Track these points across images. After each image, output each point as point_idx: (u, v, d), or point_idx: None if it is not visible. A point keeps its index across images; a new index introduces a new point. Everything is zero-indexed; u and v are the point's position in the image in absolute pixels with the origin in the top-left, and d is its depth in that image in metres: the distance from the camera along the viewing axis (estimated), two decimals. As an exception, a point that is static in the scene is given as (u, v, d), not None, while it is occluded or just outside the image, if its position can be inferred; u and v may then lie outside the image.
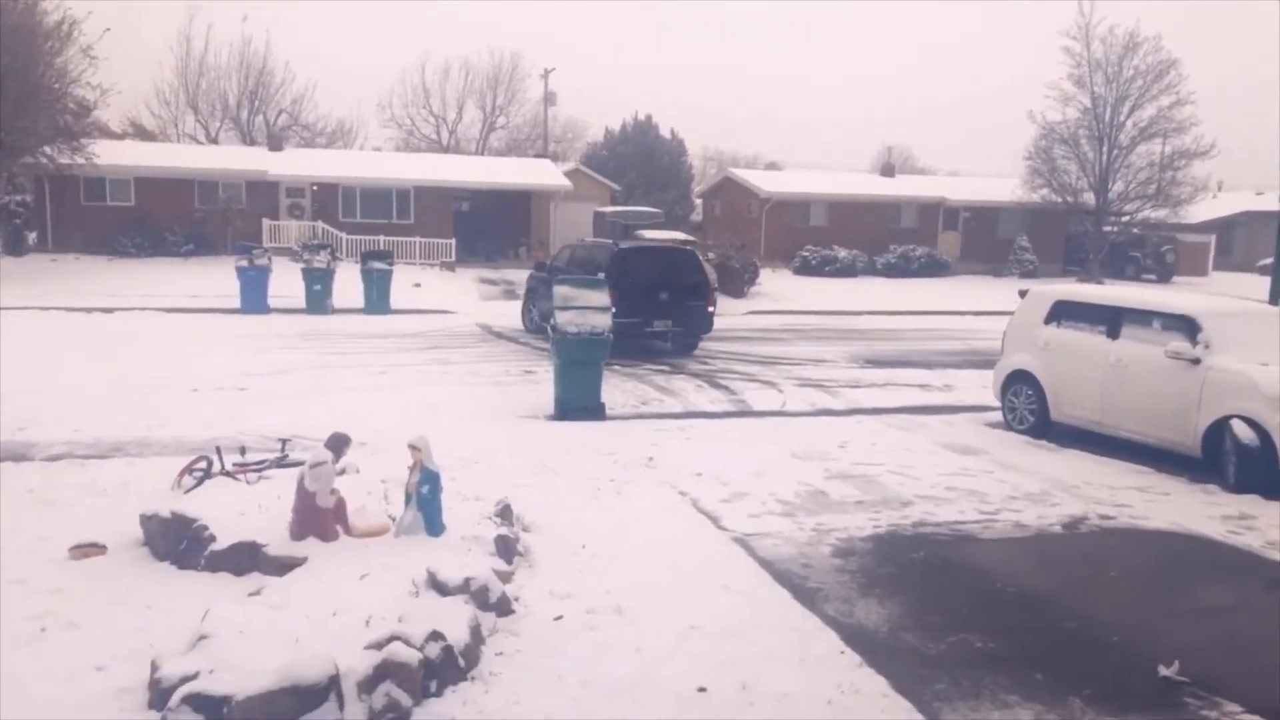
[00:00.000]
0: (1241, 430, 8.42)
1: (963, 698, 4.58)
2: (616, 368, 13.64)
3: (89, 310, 19.27)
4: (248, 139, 45.70)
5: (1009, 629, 5.42)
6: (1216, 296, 12.15)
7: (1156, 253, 36.38)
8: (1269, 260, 19.77)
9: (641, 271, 15.09)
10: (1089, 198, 34.19)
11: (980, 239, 37.00)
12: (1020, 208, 35.36)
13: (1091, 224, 34.62)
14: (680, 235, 27.73)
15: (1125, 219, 34.92)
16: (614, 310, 12.19)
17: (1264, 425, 8.28)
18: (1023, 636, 5.32)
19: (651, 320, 14.85)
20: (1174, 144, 33.44)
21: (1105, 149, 33.72)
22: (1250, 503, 8.08)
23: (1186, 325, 9.16)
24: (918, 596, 5.86)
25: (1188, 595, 6.25)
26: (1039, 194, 34.46)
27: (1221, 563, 6.80)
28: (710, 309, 15.60)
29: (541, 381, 12.68)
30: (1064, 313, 10.52)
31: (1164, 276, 35.76)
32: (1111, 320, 9.91)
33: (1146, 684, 4.77)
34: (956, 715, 4.41)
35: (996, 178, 38.00)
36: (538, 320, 16.87)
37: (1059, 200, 34.39)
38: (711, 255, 27.34)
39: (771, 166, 51.64)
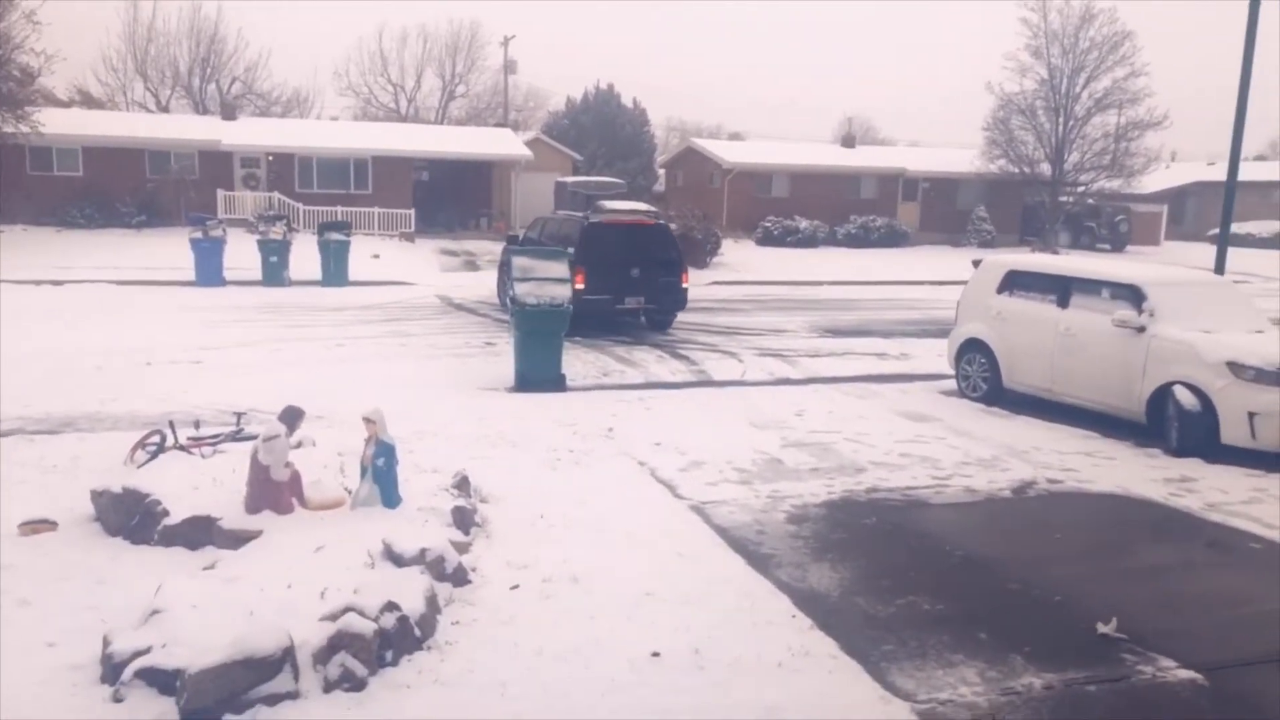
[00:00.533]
0: (1184, 396, 8.65)
1: (909, 658, 4.71)
2: (579, 340, 13.65)
3: (38, 283, 18.84)
4: (200, 108, 44.64)
5: (956, 591, 5.56)
6: (1163, 266, 12.42)
7: (1111, 223, 36.95)
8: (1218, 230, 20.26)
9: (611, 246, 14.33)
10: (1045, 168, 34.64)
11: (939, 209, 37.33)
12: (978, 178, 35.73)
13: (1048, 194, 35.08)
14: (642, 206, 27.53)
15: (1080, 189, 35.46)
16: (584, 287, 12.42)
17: (1205, 391, 8.51)
18: (968, 598, 5.47)
19: (623, 297, 14.29)
20: (1128, 115, 34.06)
21: (1061, 120, 34.14)
22: (1191, 466, 8.34)
23: (1132, 294, 9.36)
24: (869, 561, 5.99)
25: (1129, 556, 6.45)
26: (997, 165, 34.84)
27: (1162, 524, 7.02)
28: (684, 285, 14.97)
29: (502, 354, 12.67)
30: (1016, 282, 10.70)
31: (1118, 246, 36.37)
32: (1061, 290, 10.10)
33: (1085, 641, 4.94)
34: (903, 674, 4.54)
35: (956, 148, 38.30)
36: (511, 296, 16.42)
37: (1016, 171, 34.80)
38: (674, 226, 27.35)
39: (734, 137, 51.54)
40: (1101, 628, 5.02)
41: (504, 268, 16.40)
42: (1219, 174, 17.14)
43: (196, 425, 7.41)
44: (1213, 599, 5.67)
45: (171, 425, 7.06)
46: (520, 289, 10.57)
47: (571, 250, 12.92)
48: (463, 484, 6.46)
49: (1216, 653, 4.88)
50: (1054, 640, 4.94)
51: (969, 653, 4.77)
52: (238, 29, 46.45)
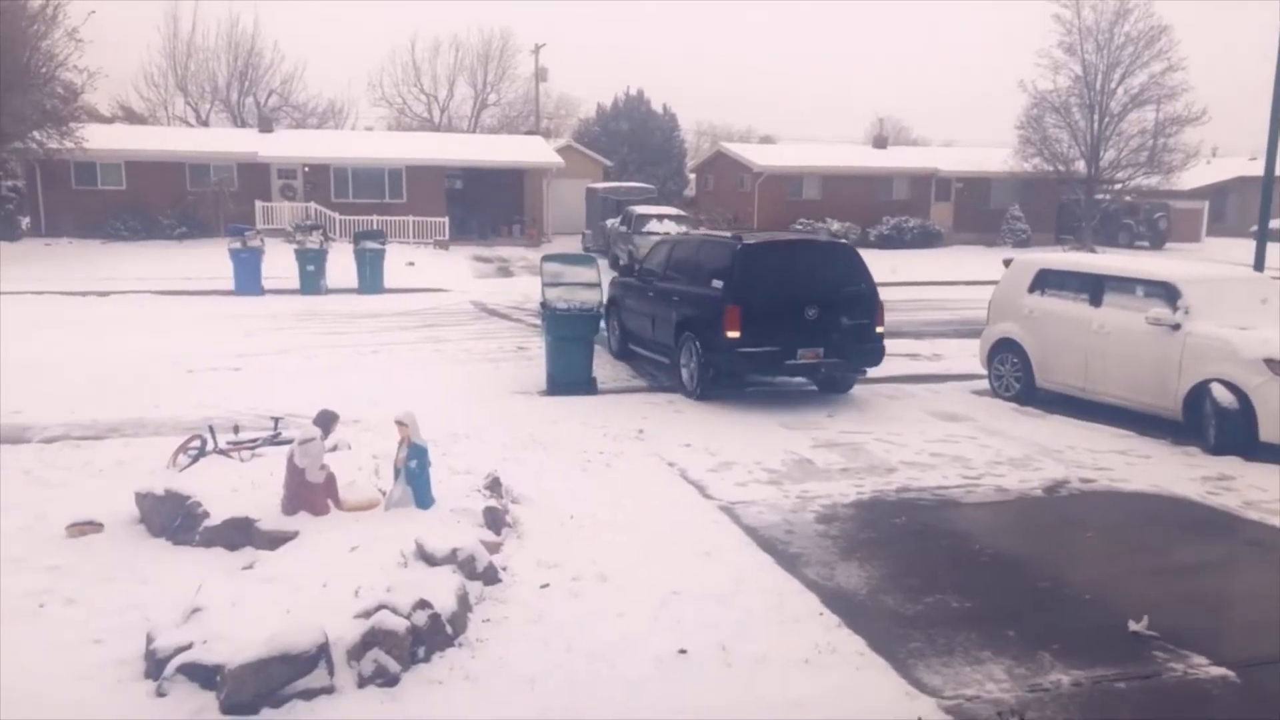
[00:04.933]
0: (1221, 394, 8.54)
1: (937, 654, 4.72)
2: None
3: (84, 294, 19.31)
4: (238, 120, 45.51)
5: (985, 589, 5.55)
6: (1199, 263, 12.26)
7: (1149, 220, 36.40)
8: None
9: (777, 277, 10.18)
10: (1081, 166, 34.17)
11: (973, 209, 36.99)
12: (1012, 177, 35.33)
13: (1084, 192, 34.61)
14: (672, 210, 27.76)
15: (1118, 187, 34.95)
16: (739, 336, 9.59)
17: (1242, 388, 8.40)
18: (998, 596, 5.46)
19: (795, 349, 9.92)
20: (1166, 110, 33.48)
21: (1097, 117, 33.67)
22: (1229, 464, 8.22)
23: (1166, 292, 9.25)
24: (898, 560, 6.00)
25: (1162, 554, 6.39)
26: (1031, 163, 34.43)
27: (1198, 523, 6.93)
28: (879, 329, 10.44)
29: (534, 358, 12.78)
30: (1047, 281, 10.61)
31: (1157, 243, 35.82)
32: (1094, 288, 10.00)
33: (1116, 639, 4.91)
34: (930, 671, 4.55)
35: (990, 147, 37.94)
36: (621, 339, 12.87)
37: (1051, 169, 34.37)
38: (703, 230, 27.42)
39: (765, 140, 51.48)
40: (1133, 625, 4.99)
41: (613, 305, 12.96)
42: (1260, 169, 16.85)
43: (236, 430, 7.58)
44: (1248, 597, 5.61)
45: (211, 430, 7.24)
46: (551, 294, 10.67)
47: (719, 284, 10.12)
48: (494, 485, 6.56)
49: (1250, 650, 4.84)
50: (1084, 638, 4.92)
51: (997, 650, 4.77)
52: (274, 42, 47.70)
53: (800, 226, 33.17)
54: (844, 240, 11.94)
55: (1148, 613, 5.06)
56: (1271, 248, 16.68)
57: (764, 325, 9.85)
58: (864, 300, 10.35)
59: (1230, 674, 4.54)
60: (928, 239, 34.43)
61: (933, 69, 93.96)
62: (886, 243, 33.86)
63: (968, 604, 5.33)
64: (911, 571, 5.80)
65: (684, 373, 10.74)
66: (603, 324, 12.17)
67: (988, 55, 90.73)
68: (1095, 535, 6.60)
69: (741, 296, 9.89)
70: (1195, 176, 38.20)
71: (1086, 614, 5.26)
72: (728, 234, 11.27)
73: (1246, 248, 21.78)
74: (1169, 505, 7.26)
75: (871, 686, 4.39)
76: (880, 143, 41.17)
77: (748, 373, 10.33)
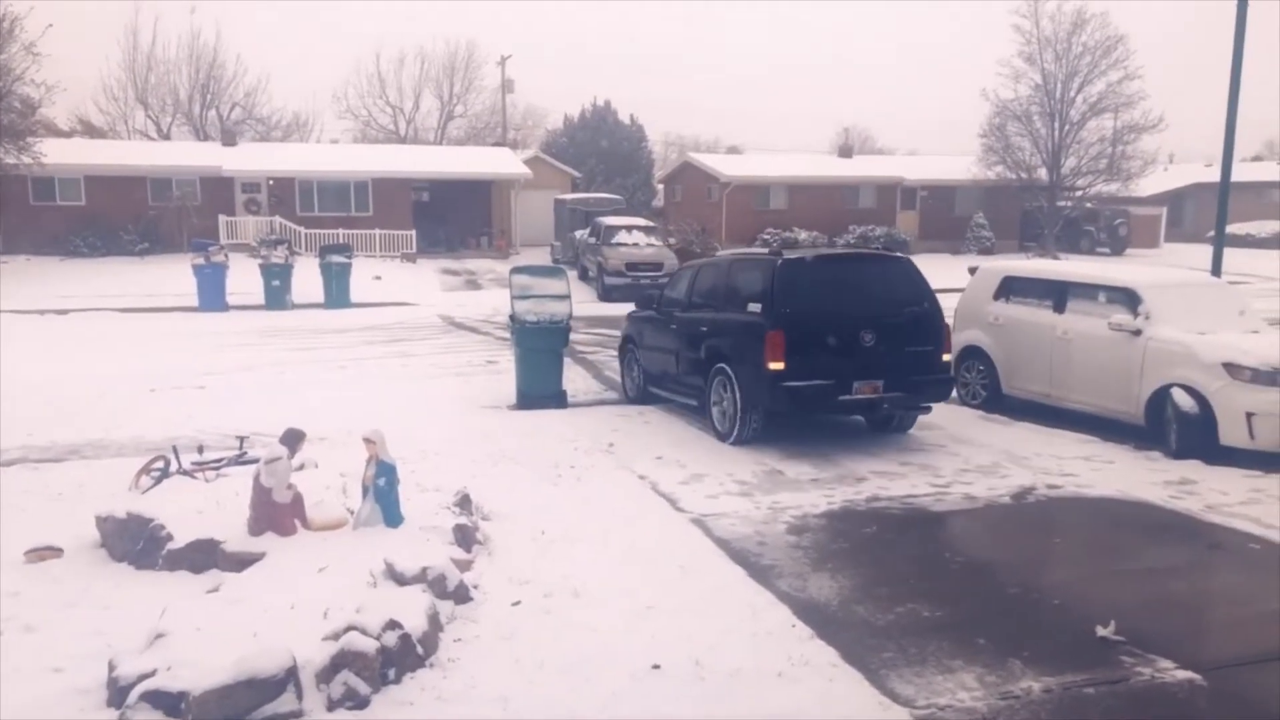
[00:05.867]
0: (1181, 398, 8.68)
1: (909, 664, 4.74)
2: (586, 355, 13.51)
3: (41, 312, 18.98)
4: (201, 134, 44.97)
5: (955, 598, 5.59)
6: (1158, 268, 12.47)
7: (1110, 226, 37.00)
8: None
9: (825, 297, 8.75)
10: (1043, 174, 34.71)
11: (938, 217, 37.41)
12: (976, 185, 35.82)
13: (1046, 199, 35.13)
14: (641, 220, 27.81)
15: (1078, 194, 35.50)
16: (785, 368, 8.27)
17: (1203, 393, 8.55)
18: (968, 604, 5.50)
19: (850, 381, 8.54)
20: (1123, 118, 34.10)
21: (1057, 125, 34.24)
22: (1191, 468, 8.35)
23: (1128, 297, 9.41)
24: (869, 570, 6.02)
25: (1128, 559, 6.47)
26: (994, 171, 34.93)
27: (1162, 527, 7.03)
28: (946, 356, 9.16)
29: (504, 372, 12.73)
30: (1012, 288, 10.76)
31: (1117, 249, 36.41)
32: (1057, 294, 10.15)
33: (1084, 644, 4.96)
34: (902, 681, 4.56)
35: (954, 156, 38.42)
36: (641, 383, 11.25)
37: (1014, 177, 34.88)
38: (673, 240, 27.49)
39: (732, 150, 51.72)
40: (1100, 630, 5.03)
41: (628, 344, 11.59)
42: (1217, 175, 17.22)
43: (200, 450, 7.47)
44: (1212, 600, 5.69)
45: (175, 450, 7.13)
46: (520, 306, 10.64)
47: (758, 308, 8.77)
48: (464, 502, 6.51)
49: (1215, 653, 4.90)
50: (1053, 644, 4.96)
51: (968, 658, 4.79)
52: (236, 55, 47.16)
53: (768, 236, 33.36)
54: (898, 254, 10.04)
55: (1115, 617, 5.11)
56: (1228, 253, 17.01)
57: (812, 354, 8.48)
58: (928, 322, 8.93)
59: (1196, 677, 4.60)
60: (893, 248, 34.61)
61: (897, 79, 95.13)
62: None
63: (939, 613, 5.36)
64: (882, 581, 5.83)
65: (714, 412, 9.25)
66: (618, 365, 11.72)
67: (951, 65, 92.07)
68: (1062, 541, 6.68)
69: (785, 320, 8.47)
70: (1153, 183, 38.93)
71: (1055, 620, 5.31)
72: (764, 251, 10.02)
73: (1204, 252, 22.21)
74: (1133, 510, 7.35)
75: (845, 698, 4.39)
76: (846, 152, 41.52)
77: (794, 411, 8.78)
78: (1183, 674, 4.64)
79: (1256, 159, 50.77)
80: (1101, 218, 37.08)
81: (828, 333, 8.64)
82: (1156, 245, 39.49)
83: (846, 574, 5.93)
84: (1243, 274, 27.13)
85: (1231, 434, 8.40)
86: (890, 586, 5.73)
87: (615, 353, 14.77)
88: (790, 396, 8.43)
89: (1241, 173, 34.04)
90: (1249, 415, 8.30)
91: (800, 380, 8.42)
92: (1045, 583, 5.81)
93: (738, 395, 8.81)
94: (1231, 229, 27.19)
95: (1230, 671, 4.71)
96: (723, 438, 9.08)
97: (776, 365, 8.39)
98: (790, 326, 8.47)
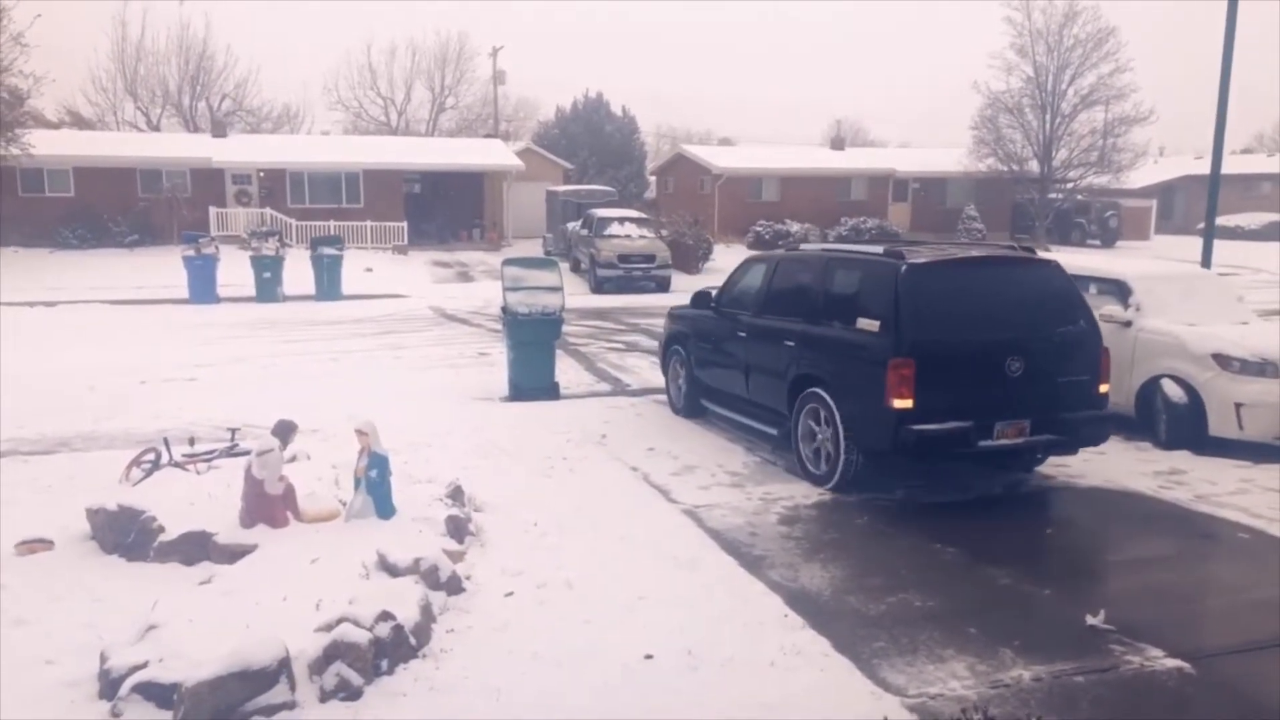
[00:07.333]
0: (1171, 389, 8.72)
1: (900, 654, 4.76)
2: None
3: (31, 304, 18.87)
4: (191, 125, 44.74)
5: (946, 588, 5.61)
6: (1149, 260, 12.51)
7: (1100, 218, 37.08)
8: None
9: (961, 315, 7.04)
10: (1034, 166, 34.80)
11: (930, 209, 37.50)
12: (968, 177, 35.89)
13: (1037, 191, 35.21)
14: (634, 212, 27.78)
15: (1069, 186, 35.59)
16: (913, 406, 6.65)
17: (1192, 383, 8.59)
18: (959, 595, 5.52)
19: (990, 422, 6.88)
20: (1114, 111, 34.23)
21: (1048, 117, 34.30)
22: (1181, 458, 8.40)
23: (1118, 289, 9.44)
24: (860, 561, 6.04)
25: (1118, 549, 6.51)
26: (985, 163, 34.99)
27: (1152, 516, 7.07)
28: (1104, 387, 7.52)
29: (495, 364, 12.70)
30: (1004, 280, 10.75)
31: (1108, 241, 36.51)
32: (1049, 286, 10.15)
33: (1074, 633, 4.99)
34: (894, 670, 4.59)
35: (946, 148, 38.46)
36: (689, 394, 9.84)
37: (1005, 169, 34.95)
38: (666, 232, 27.46)
39: (724, 142, 51.66)
40: (1090, 619, 5.07)
41: (673, 343, 10.27)
42: (1206, 168, 17.26)
43: (191, 442, 7.44)
44: (1201, 589, 5.73)
45: (166, 442, 7.10)
46: (512, 299, 10.61)
47: (873, 325, 7.03)
48: (457, 493, 6.51)
49: (1204, 641, 4.94)
50: (1043, 633, 4.99)
51: (959, 647, 4.82)
52: (226, 45, 46.70)
53: (760, 228, 33.34)
54: (1047, 258, 8.04)
55: (1104, 607, 5.15)
56: (1218, 245, 17.07)
57: (947, 388, 6.81)
58: (1084, 345, 7.30)
59: (1185, 665, 4.63)
60: (886, 239, 34.65)
61: (890, 71, 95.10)
62: (845, 243, 34.12)
63: (930, 602, 5.38)
64: (874, 571, 5.85)
65: (804, 450, 7.69)
66: (663, 372, 10.30)
67: (943, 57, 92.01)
68: (1054, 531, 6.71)
69: (915, 345, 6.73)
70: (1144, 175, 39.02)
71: (1046, 609, 5.34)
72: (876, 249, 7.70)
73: (1194, 245, 22.26)
74: (1123, 500, 7.39)
75: (837, 687, 4.41)
76: (838, 144, 41.54)
77: (922, 458, 7.14)
78: (1171, 662, 4.67)
79: (1246, 151, 51.04)
80: (1092, 210, 37.18)
81: (966, 361, 6.92)
82: (1147, 237, 39.64)
83: (838, 564, 5.95)
84: (1232, 266, 27.22)
85: (1221, 424, 8.45)
86: (882, 577, 5.75)
87: (607, 345, 14.83)
88: (920, 443, 6.71)
89: (1231, 165, 34.22)
90: (1238, 406, 8.35)
91: (932, 423, 6.72)
92: (1036, 573, 5.83)
93: (841, 433, 7.18)
94: (1221, 221, 27.30)
95: (1219, 660, 4.74)
96: (818, 481, 7.49)
97: (903, 403, 6.68)
98: (921, 353, 6.73)
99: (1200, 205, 36.11)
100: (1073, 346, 7.27)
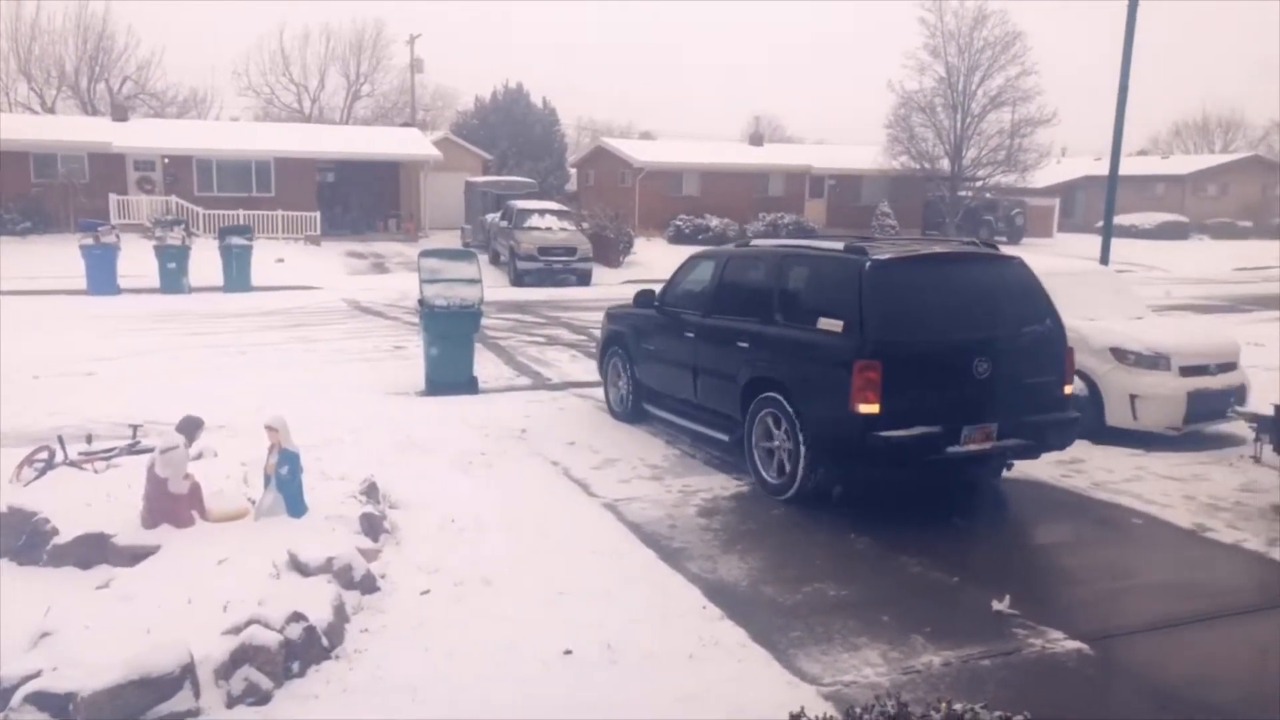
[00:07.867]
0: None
1: (816, 643, 4.85)
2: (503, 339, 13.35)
3: (-88, 295, 17.83)
4: (89, 108, 42.82)
5: (859, 577, 5.73)
6: (1052, 257, 12.97)
7: (1007, 216, 38.35)
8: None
9: (928, 313, 6.76)
10: (945, 164, 35.78)
11: (845, 206, 38.23)
12: (882, 175, 36.72)
13: (948, 189, 36.22)
14: (555, 205, 27.63)
15: (978, 184, 36.73)
16: (879, 411, 6.28)
17: (1091, 376, 8.95)
18: (872, 583, 5.65)
19: (958, 427, 6.55)
20: (1021, 112, 35.39)
21: (959, 117, 35.30)
22: (1080, 448, 8.66)
23: (1024, 285, 9.75)
24: (777, 551, 6.13)
25: (1023, 535, 6.75)
26: (899, 161, 35.84)
27: (1053, 504, 7.34)
28: (1067, 388, 7.27)
29: (412, 358, 12.50)
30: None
31: (1014, 238, 37.76)
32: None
33: (982, 619, 5.15)
34: (809, 659, 4.67)
35: (861, 146, 39.25)
36: (631, 399, 9.35)
37: (918, 167, 35.87)
38: (586, 225, 27.39)
39: (645, 136, 51.76)
40: (996, 605, 5.24)
41: (611, 344, 9.74)
42: (1105, 169, 18.00)
43: (88, 439, 7.12)
44: (1098, 573, 5.97)
45: (61, 440, 6.77)
46: (429, 291, 10.44)
47: (836, 325, 6.66)
48: (371, 490, 6.38)
49: (1101, 623, 5.15)
50: (952, 619, 5.14)
51: (872, 635, 4.93)
52: (128, 26, 45.10)
53: (680, 222, 33.50)
54: (1013, 256, 7.79)
55: (1009, 592, 5.32)
56: (1115, 243, 17.82)
57: (914, 391, 6.46)
58: (1049, 346, 7.08)
59: (1084, 646, 4.83)
60: (802, 235, 35.25)
61: (807, 68, 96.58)
62: (762, 239, 34.54)
63: (844, 592, 5.49)
64: (790, 562, 5.94)
65: (759, 455, 7.34)
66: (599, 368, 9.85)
67: (859, 55, 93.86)
68: (961, 520, 6.91)
69: (881, 346, 6.36)
70: (1047, 175, 40.51)
71: (954, 596, 5.50)
72: (836, 244, 7.21)
73: (1093, 242, 23.20)
74: (1027, 488, 7.66)
75: (754, 678, 4.47)
76: (757, 140, 42.01)
77: (889, 467, 6.71)
78: (1071, 644, 4.86)
79: (1142, 153, 53.40)
80: (1000, 207, 38.43)
81: (933, 362, 6.62)
82: (1050, 235, 41.15)
83: (755, 555, 6.03)
84: (1129, 263, 28.47)
85: (1117, 415, 8.83)
86: (797, 567, 5.85)
87: (528, 338, 14.72)
88: (888, 450, 6.33)
89: (1128, 166, 35.71)
90: (1133, 397, 8.74)
91: (899, 428, 6.35)
92: (945, 561, 6.00)
93: (801, 441, 6.81)
94: (1119, 220, 28.48)
95: (1115, 640, 4.95)
96: (775, 491, 7.15)
97: (869, 408, 6.29)
98: (888, 355, 6.36)
99: (1099, 204, 37.67)
100: (1039, 347, 7.05)
